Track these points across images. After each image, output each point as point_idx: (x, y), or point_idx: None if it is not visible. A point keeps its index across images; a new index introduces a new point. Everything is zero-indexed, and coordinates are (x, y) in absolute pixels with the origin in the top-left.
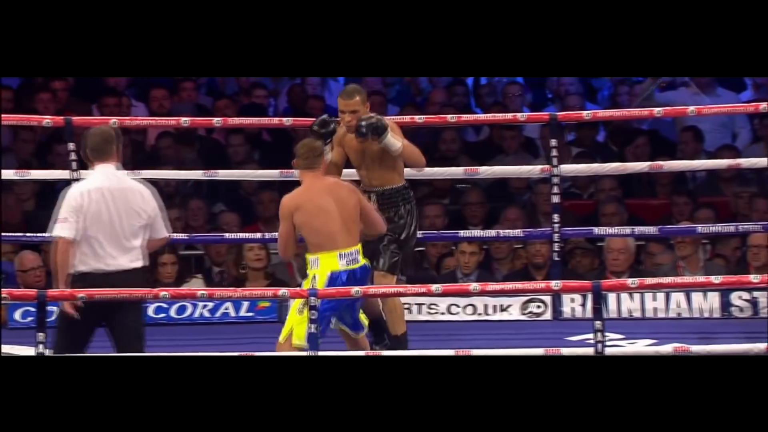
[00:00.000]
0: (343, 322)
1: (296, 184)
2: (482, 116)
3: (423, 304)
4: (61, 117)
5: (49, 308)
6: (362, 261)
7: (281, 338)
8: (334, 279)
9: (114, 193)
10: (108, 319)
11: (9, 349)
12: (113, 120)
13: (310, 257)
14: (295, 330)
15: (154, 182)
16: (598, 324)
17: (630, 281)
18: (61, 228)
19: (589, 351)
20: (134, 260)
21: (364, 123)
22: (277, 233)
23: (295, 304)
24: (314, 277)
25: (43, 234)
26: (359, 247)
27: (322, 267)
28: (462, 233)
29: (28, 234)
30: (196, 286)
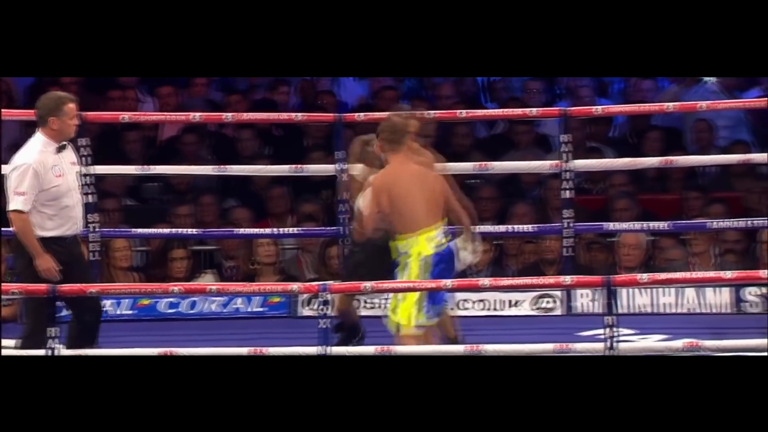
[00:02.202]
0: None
1: (304, 179)
2: (492, 111)
3: None
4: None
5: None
6: (445, 241)
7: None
8: (430, 262)
9: None
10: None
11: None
12: (124, 115)
13: (399, 243)
14: (410, 314)
15: (164, 178)
16: (609, 319)
17: (641, 276)
18: None
19: (600, 346)
20: None
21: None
22: (288, 229)
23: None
24: (406, 263)
25: None
26: (442, 227)
27: (413, 251)
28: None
29: None
30: (207, 281)
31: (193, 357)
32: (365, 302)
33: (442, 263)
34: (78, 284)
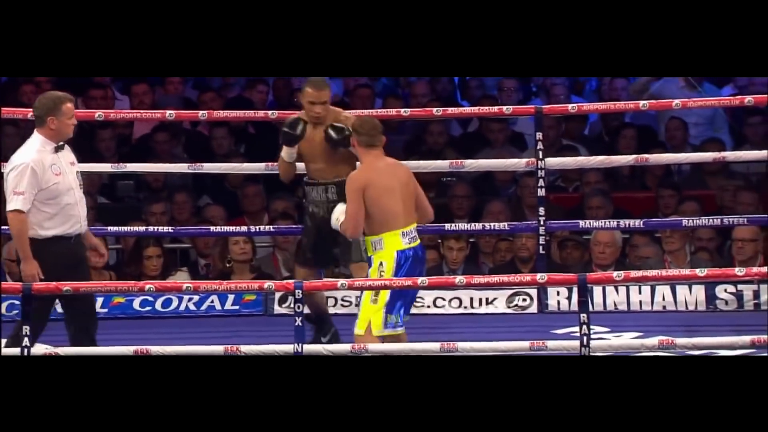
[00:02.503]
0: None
1: (278, 177)
2: (468, 109)
3: None
4: None
5: None
6: (418, 240)
7: (359, 330)
8: (401, 258)
9: None
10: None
11: None
12: (99, 113)
13: (372, 239)
14: (373, 320)
15: (138, 176)
16: (583, 317)
17: (615, 274)
18: None
19: (575, 344)
20: None
21: (337, 134)
22: (262, 227)
23: (367, 294)
24: (381, 263)
25: None
26: (415, 225)
27: (387, 247)
28: (448, 226)
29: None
30: (181, 279)
31: (167, 356)
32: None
33: (417, 260)
34: (53, 282)
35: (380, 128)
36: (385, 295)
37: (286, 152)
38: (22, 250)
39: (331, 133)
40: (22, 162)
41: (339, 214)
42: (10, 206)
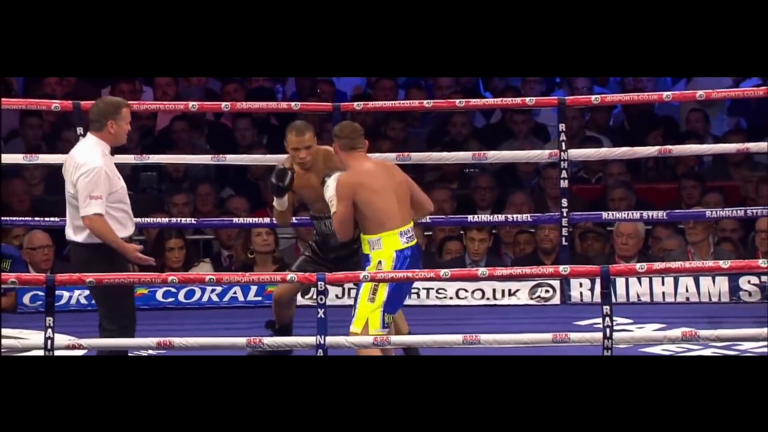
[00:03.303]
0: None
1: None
2: (491, 101)
3: (431, 288)
4: (69, 101)
5: (58, 292)
6: (415, 239)
7: (356, 328)
8: (400, 257)
9: (68, 161)
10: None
11: (17, 334)
12: None
13: (370, 238)
14: (371, 319)
15: (161, 167)
16: (606, 308)
17: (638, 266)
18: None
19: (598, 336)
20: (75, 234)
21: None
22: None
23: (364, 293)
24: (380, 261)
25: (53, 218)
26: (412, 224)
27: (385, 247)
28: (470, 218)
29: (36, 218)
30: (204, 270)
31: (188, 348)
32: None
33: (415, 259)
34: (76, 274)
35: (361, 131)
36: (382, 294)
37: (277, 203)
38: (118, 244)
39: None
40: (95, 166)
41: (330, 195)
42: (89, 210)
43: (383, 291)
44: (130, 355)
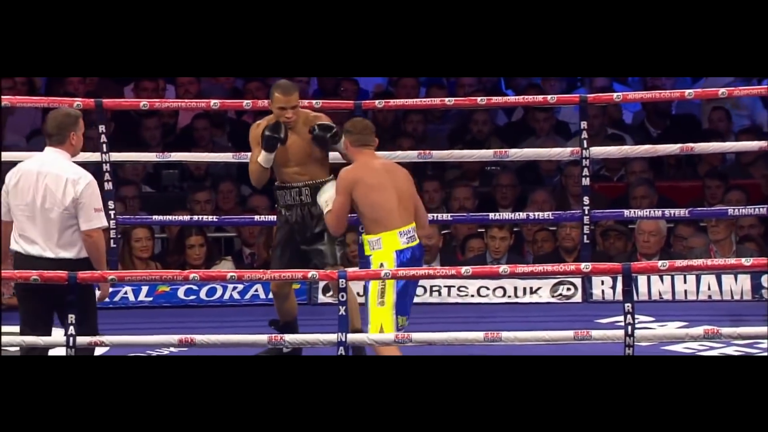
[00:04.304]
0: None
1: None
2: (512, 98)
3: (452, 286)
4: (92, 99)
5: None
6: (417, 239)
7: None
8: (400, 257)
9: (43, 177)
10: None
11: None
12: (143, 102)
13: (369, 238)
14: (385, 323)
15: (183, 165)
16: (628, 306)
17: (660, 264)
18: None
19: (620, 333)
20: (64, 250)
21: (325, 132)
22: None
23: (373, 298)
24: (381, 264)
25: None
26: (414, 225)
27: (385, 247)
28: (492, 216)
29: None
30: (225, 268)
31: (210, 345)
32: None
33: (416, 260)
34: (98, 272)
35: (372, 129)
36: (391, 297)
37: (264, 158)
38: (104, 259)
39: (318, 131)
40: (91, 178)
41: (327, 197)
42: (95, 224)
43: (391, 292)
44: (144, 354)
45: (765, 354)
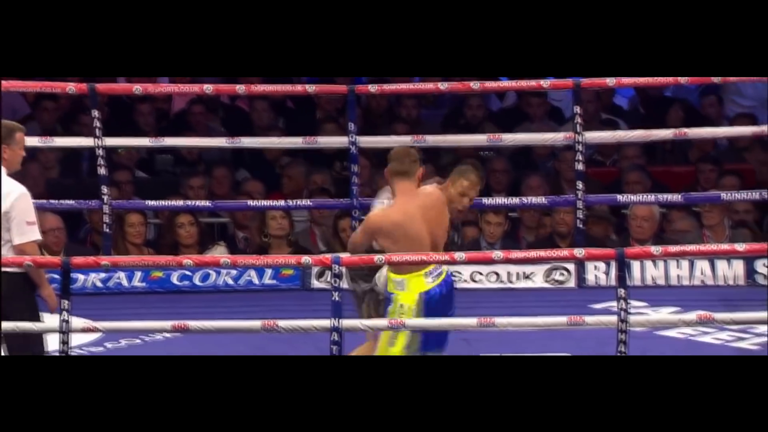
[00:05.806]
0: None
1: (316, 152)
2: (506, 83)
3: None
4: (85, 84)
5: (73, 275)
6: (444, 271)
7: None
8: (425, 299)
9: None
10: None
11: None
12: (137, 87)
13: (394, 277)
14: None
15: (177, 150)
16: (622, 292)
17: (654, 249)
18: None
19: (613, 319)
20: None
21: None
22: (300, 201)
23: (385, 336)
24: (401, 305)
25: (68, 201)
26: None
27: (409, 290)
28: (486, 201)
29: (51, 201)
30: (219, 253)
31: (204, 331)
32: None
33: (446, 298)
34: (92, 257)
35: (414, 157)
36: (403, 339)
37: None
38: (41, 276)
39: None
40: (22, 191)
41: (384, 279)
42: (29, 237)
43: (403, 337)
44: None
45: (759, 347)
